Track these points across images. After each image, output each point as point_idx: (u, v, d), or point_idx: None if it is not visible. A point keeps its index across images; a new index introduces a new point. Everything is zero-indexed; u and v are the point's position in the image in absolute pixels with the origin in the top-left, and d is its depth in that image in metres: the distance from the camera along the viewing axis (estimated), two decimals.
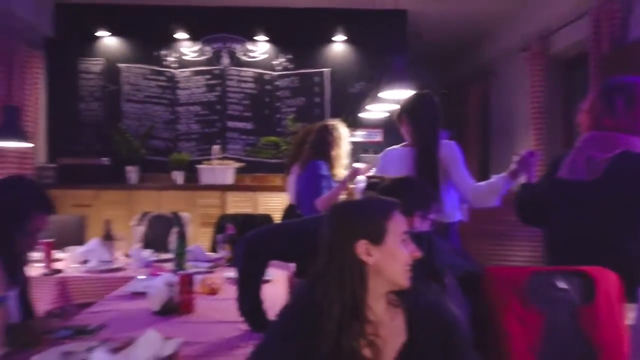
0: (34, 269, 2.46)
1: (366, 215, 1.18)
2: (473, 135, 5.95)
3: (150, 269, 2.59)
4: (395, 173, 2.27)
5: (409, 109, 2.39)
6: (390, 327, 1.17)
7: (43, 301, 2.35)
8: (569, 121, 4.35)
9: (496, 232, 3.04)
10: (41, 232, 1.66)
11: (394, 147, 2.50)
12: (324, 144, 2.81)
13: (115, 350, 1.29)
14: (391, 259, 1.15)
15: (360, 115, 4.60)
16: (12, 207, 1.57)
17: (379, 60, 4.77)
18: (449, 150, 2.31)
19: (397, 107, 2.56)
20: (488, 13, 5.05)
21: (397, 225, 1.17)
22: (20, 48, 4.19)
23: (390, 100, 3.65)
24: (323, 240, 1.18)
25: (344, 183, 2.72)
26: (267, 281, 2.15)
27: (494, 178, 2.27)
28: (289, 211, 3.15)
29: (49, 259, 2.62)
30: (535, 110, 4.39)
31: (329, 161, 2.80)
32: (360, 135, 4.95)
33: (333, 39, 5.07)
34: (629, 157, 1.75)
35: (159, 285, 1.89)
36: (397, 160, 2.38)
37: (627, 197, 1.76)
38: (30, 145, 3.70)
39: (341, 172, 2.83)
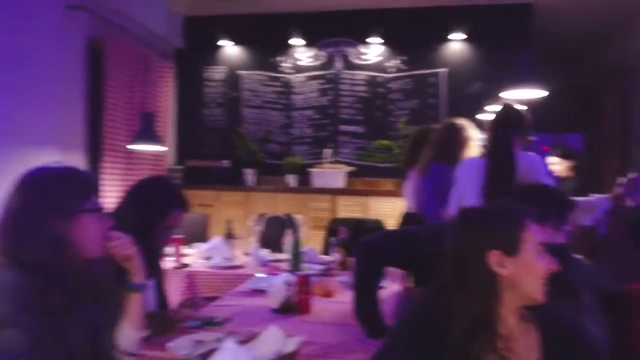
0: (166, 263, 2.69)
1: (499, 224, 1.10)
2: (610, 141, 5.32)
3: (267, 268, 2.69)
4: (471, 182, 2.23)
5: (492, 120, 2.32)
6: (523, 343, 1.10)
7: (172, 292, 2.54)
8: None
9: None
10: (176, 228, 1.80)
11: (472, 156, 2.38)
12: (451, 144, 2.63)
13: (241, 343, 1.34)
14: (526, 272, 1.08)
15: (479, 117, 4.38)
16: (154, 204, 1.72)
17: (501, 58, 4.50)
18: (530, 162, 2.18)
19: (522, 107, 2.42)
20: (627, 1, 4.52)
21: (533, 236, 1.09)
22: (154, 59, 4.62)
23: (513, 100, 3.43)
24: (450, 249, 1.13)
25: None
26: (381, 288, 2.12)
27: (593, 197, 2.17)
28: (407, 219, 3.07)
29: (179, 254, 2.84)
30: None
31: (455, 164, 2.63)
32: (478, 139, 4.70)
33: (450, 37, 4.88)
34: None
35: (278, 284, 1.95)
36: (473, 170, 2.26)
37: None
38: (163, 148, 4.04)
39: None
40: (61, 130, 3.53)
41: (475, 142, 2.69)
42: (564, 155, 4.06)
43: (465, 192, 2.28)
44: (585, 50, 5.96)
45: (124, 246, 1.29)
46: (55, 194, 1.18)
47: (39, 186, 1.19)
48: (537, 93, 3.11)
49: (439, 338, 1.08)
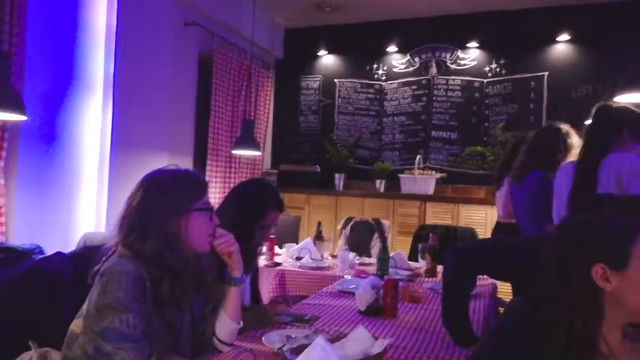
0: (260, 261, 2.85)
1: (607, 236, 1.05)
2: None
3: (354, 271, 2.75)
4: (562, 189, 2.12)
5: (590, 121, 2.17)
6: None
7: (264, 289, 2.69)
8: None
9: None
10: (273, 227, 1.92)
11: (571, 160, 2.22)
12: (553, 150, 2.47)
13: (330, 341, 1.41)
14: (634, 289, 1.02)
15: (586, 122, 4.09)
16: (254, 204, 1.85)
17: (613, 60, 4.17)
18: (629, 163, 1.97)
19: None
20: None
21: None
22: (257, 69, 4.91)
23: (629, 105, 3.18)
24: (552, 260, 1.09)
25: None
26: (472, 296, 2.09)
27: None
28: (499, 229, 2.96)
29: (272, 253, 3.00)
30: None
31: (553, 171, 2.41)
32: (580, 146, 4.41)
33: (555, 39, 4.63)
34: None
35: (365, 287, 1.99)
36: (568, 175, 2.13)
37: None
38: (260, 153, 4.28)
39: None
40: (172, 135, 3.89)
41: (577, 150, 2.52)
42: None
43: (559, 200, 2.18)
44: None
45: (228, 243, 1.40)
46: (172, 194, 1.32)
47: (158, 187, 1.33)
48: None
49: (533, 352, 1.05)
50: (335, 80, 5.43)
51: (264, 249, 2.94)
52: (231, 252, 1.42)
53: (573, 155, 2.48)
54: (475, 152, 4.74)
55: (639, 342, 1.06)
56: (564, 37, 4.59)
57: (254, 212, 1.84)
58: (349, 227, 3.79)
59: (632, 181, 1.96)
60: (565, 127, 2.55)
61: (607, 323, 1.04)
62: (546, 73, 4.66)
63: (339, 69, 5.43)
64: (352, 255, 3.09)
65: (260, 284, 2.29)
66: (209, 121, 4.23)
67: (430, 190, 4.64)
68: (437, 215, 4.46)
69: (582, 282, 1.03)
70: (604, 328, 1.04)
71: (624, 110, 2.15)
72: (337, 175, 5.06)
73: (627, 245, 1.03)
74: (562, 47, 4.64)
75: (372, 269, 2.75)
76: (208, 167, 4.24)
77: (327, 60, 5.48)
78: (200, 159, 4.26)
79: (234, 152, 3.95)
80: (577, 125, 4.20)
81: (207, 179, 4.17)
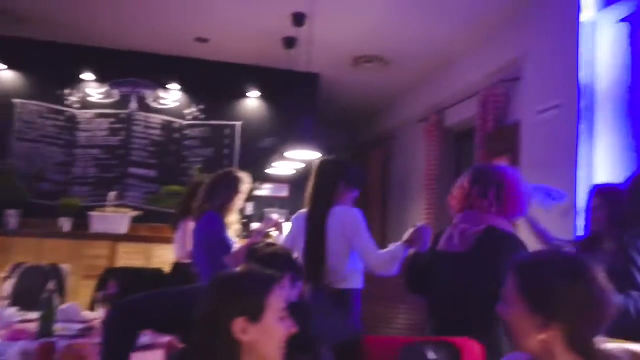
0: None
1: (247, 291, 1.13)
2: (374, 197, 6.13)
3: (9, 332, 2.32)
4: (296, 235, 2.37)
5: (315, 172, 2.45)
6: None
7: None
8: None
9: (385, 295, 3.11)
10: None
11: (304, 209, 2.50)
12: (226, 193, 2.61)
13: None
14: (267, 337, 1.12)
15: (268, 170, 4.64)
16: None
17: (290, 119, 4.88)
18: (351, 217, 2.29)
19: (303, 166, 2.60)
20: (393, 84, 5.42)
21: (277, 301, 1.15)
22: None
23: (295, 159, 3.75)
24: (200, 313, 1.13)
25: (258, 234, 2.59)
26: (146, 347, 2.02)
27: (392, 246, 2.28)
28: (178, 269, 3.01)
29: None
30: (429, 177, 4.68)
31: (223, 211, 2.59)
32: (267, 190, 4.99)
33: (247, 94, 5.15)
34: (492, 232, 1.83)
35: (12, 355, 1.70)
36: (299, 222, 2.42)
37: (487, 268, 1.77)
38: None
39: (235, 223, 2.66)
40: None
41: (244, 191, 2.70)
42: None
43: (291, 244, 2.35)
44: (361, 119, 6.90)
45: None
46: None
47: None
48: (315, 154, 3.47)
49: None
50: (15, 100, 4.67)
51: None
52: None
53: (241, 199, 2.68)
54: (172, 191, 4.77)
55: None
56: (255, 93, 5.16)
57: None
58: (16, 275, 3.21)
59: (354, 236, 2.24)
60: (238, 173, 2.74)
61: None
62: (240, 123, 5.12)
63: (22, 89, 4.72)
64: (12, 311, 2.60)
65: None
66: None
67: (124, 229, 4.42)
68: (130, 256, 4.26)
69: (223, 335, 1.09)
70: None
71: (338, 163, 2.44)
72: (9, 212, 4.29)
73: (263, 297, 1.12)
74: (252, 102, 5.21)
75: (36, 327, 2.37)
76: None
77: (6, 76, 4.70)
78: None
79: None
80: (262, 172, 4.73)
81: None
